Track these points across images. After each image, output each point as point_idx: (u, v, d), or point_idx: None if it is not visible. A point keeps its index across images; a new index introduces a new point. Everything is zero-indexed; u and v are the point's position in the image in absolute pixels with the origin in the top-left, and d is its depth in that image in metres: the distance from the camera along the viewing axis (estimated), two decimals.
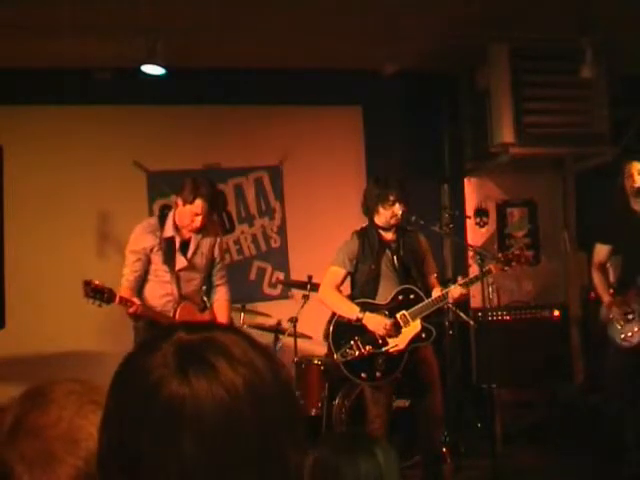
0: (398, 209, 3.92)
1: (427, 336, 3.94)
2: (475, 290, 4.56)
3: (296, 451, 0.81)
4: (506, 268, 4.03)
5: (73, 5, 4.32)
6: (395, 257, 3.99)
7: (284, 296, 5.74)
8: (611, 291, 4.17)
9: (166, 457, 0.74)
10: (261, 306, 5.42)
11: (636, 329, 3.99)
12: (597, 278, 4.28)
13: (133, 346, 3.22)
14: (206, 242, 4.13)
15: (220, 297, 4.27)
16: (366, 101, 5.88)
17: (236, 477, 0.75)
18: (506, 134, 5.24)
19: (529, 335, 5.42)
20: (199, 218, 3.93)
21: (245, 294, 5.50)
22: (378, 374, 3.90)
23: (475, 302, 5.41)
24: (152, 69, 4.81)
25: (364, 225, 4.12)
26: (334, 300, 4.03)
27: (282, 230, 5.85)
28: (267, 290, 5.81)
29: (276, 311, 5.13)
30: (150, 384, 0.76)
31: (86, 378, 1.29)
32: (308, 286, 4.77)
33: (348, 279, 4.12)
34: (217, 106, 5.68)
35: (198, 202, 3.89)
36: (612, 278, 4.47)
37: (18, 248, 5.20)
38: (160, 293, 4.01)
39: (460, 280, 4.17)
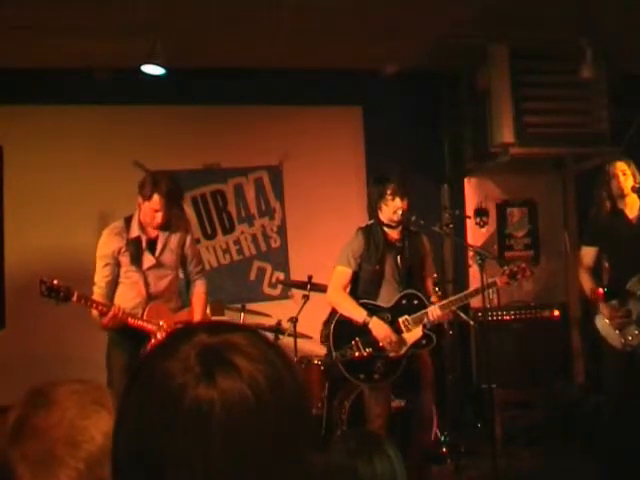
0: (399, 202, 3.87)
1: (427, 343, 3.92)
2: None
3: (311, 450, 0.82)
4: (512, 281, 3.94)
5: (73, 5, 4.33)
6: (399, 258, 3.94)
7: (284, 296, 5.74)
8: (601, 291, 4.12)
9: (193, 461, 0.73)
10: (261, 306, 5.41)
11: (636, 332, 3.97)
12: (584, 279, 4.24)
13: (107, 345, 3.20)
14: (174, 238, 4.05)
15: (197, 291, 4.17)
16: (366, 101, 5.87)
17: (260, 476, 0.75)
18: (506, 134, 5.24)
19: (529, 335, 5.42)
20: (159, 214, 3.87)
21: (245, 294, 5.50)
22: (376, 376, 3.88)
23: (475, 302, 5.39)
24: (152, 69, 4.81)
25: (369, 222, 4.05)
26: (341, 302, 3.98)
27: (282, 230, 5.84)
28: (267, 290, 5.81)
29: (276, 311, 5.12)
30: (174, 389, 0.75)
31: (86, 379, 1.28)
32: (308, 286, 4.76)
33: None
34: (217, 106, 5.68)
35: (155, 198, 3.82)
36: (605, 280, 4.44)
37: (18, 248, 5.20)
38: (130, 295, 3.94)
39: (471, 289, 4.05)
